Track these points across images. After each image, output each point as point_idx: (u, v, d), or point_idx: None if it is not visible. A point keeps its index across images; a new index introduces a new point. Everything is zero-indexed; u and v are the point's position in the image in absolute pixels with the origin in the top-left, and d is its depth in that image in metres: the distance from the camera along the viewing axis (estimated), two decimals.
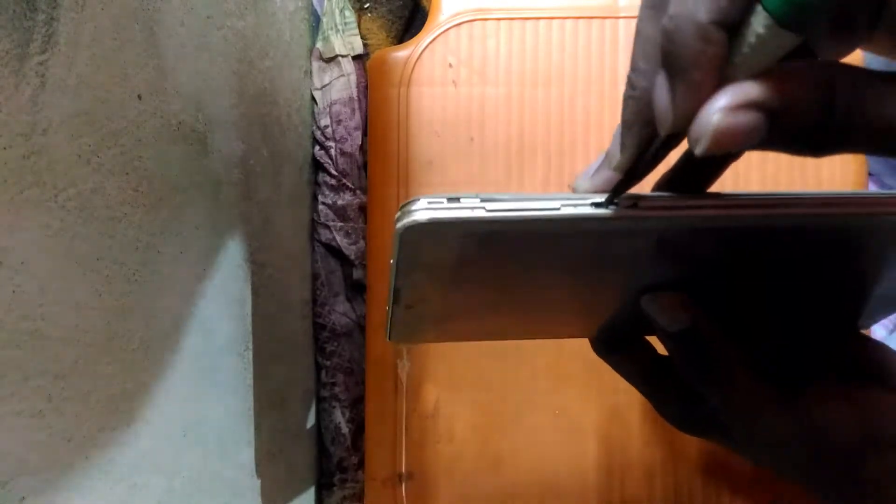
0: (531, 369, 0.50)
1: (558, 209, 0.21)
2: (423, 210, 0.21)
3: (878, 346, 0.29)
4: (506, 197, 0.21)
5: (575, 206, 0.21)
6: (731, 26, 0.18)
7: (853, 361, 0.28)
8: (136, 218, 0.33)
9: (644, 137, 0.22)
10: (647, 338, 0.32)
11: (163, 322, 0.36)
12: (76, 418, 0.29)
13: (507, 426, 0.50)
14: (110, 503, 0.32)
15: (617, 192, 0.21)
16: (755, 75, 0.18)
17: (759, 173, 0.49)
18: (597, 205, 0.21)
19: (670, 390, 0.30)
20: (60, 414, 0.28)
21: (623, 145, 0.22)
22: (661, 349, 0.29)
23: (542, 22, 0.51)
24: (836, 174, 0.49)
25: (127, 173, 0.32)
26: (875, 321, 0.32)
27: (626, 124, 0.22)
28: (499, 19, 0.51)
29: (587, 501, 0.50)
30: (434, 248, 0.22)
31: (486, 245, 0.22)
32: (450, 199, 0.21)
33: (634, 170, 0.23)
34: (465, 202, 0.21)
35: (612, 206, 0.21)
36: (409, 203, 0.21)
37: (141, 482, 0.34)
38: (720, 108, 0.17)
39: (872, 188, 0.58)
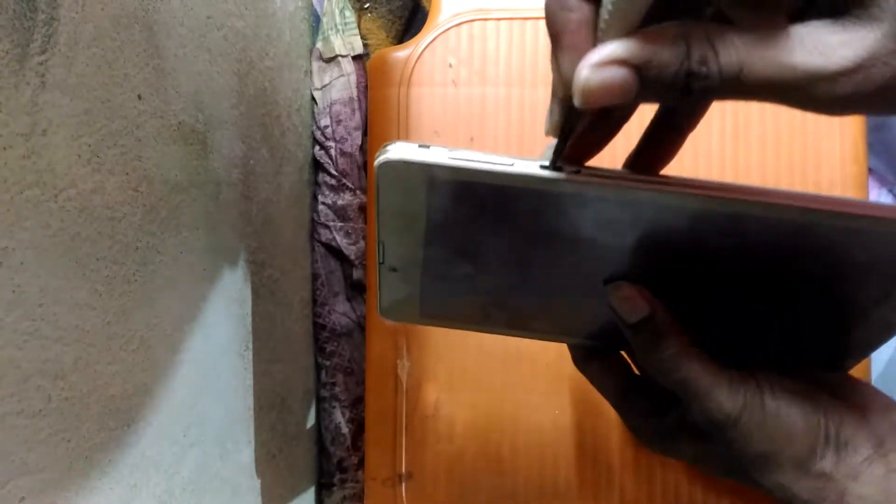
0: (531, 369, 0.50)
1: (511, 165, 0.24)
2: (396, 150, 0.24)
3: (850, 380, 0.30)
4: (471, 153, 0.24)
5: (526, 165, 0.24)
6: None
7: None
8: (136, 218, 0.33)
9: (564, 103, 0.24)
10: (623, 353, 0.34)
11: (163, 322, 0.36)
12: (76, 418, 0.29)
13: (507, 426, 0.50)
14: (110, 503, 0.32)
15: (556, 153, 0.24)
16: (622, 36, 0.20)
17: (759, 172, 0.49)
18: (543, 167, 0.24)
19: (642, 404, 0.32)
20: (60, 414, 0.28)
21: (550, 111, 0.24)
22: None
23: (542, 22, 0.50)
24: (836, 173, 0.49)
25: (127, 173, 0.32)
26: (855, 357, 0.31)
27: (552, 93, 0.24)
28: (499, 19, 0.51)
29: (587, 502, 0.50)
30: (407, 192, 0.25)
31: (454, 198, 0.25)
32: (420, 146, 0.24)
33: (563, 133, 0.24)
34: (433, 150, 0.24)
35: (557, 171, 0.24)
36: (386, 144, 0.25)
37: (141, 482, 0.34)
38: (588, 65, 0.20)
39: (872, 186, 0.58)
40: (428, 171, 0.24)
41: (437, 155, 0.24)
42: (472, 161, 0.24)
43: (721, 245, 0.25)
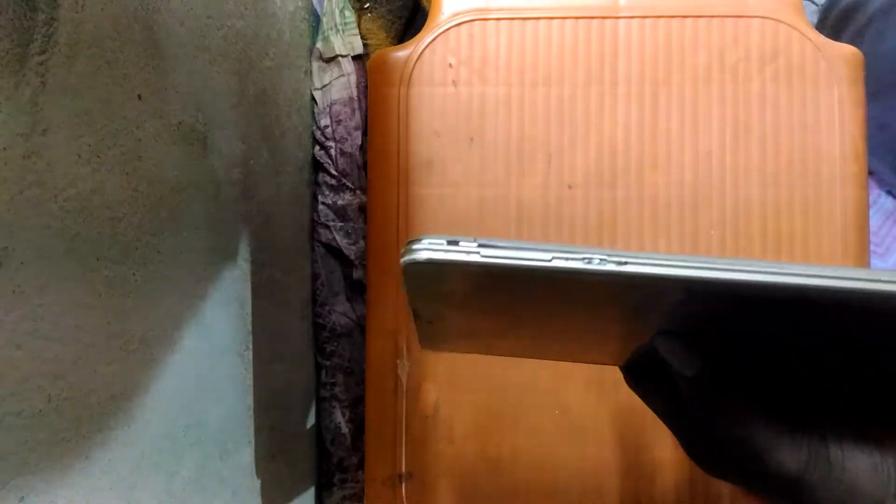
0: (531, 369, 0.50)
1: (549, 261, 0.22)
2: (424, 250, 0.22)
3: None
4: (502, 244, 0.22)
5: (566, 259, 0.22)
6: None
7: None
8: (136, 218, 0.33)
9: None
10: None
11: (163, 322, 0.36)
12: (76, 418, 0.29)
13: (507, 426, 0.50)
14: (110, 503, 0.32)
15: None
16: None
17: (758, 173, 0.49)
18: (587, 260, 0.22)
19: (696, 429, 0.30)
20: (60, 414, 0.28)
21: None
22: None
23: (542, 22, 0.51)
24: (836, 172, 0.49)
25: (127, 173, 0.32)
26: None
27: None
28: (499, 19, 0.51)
29: (587, 502, 0.50)
30: (437, 282, 0.24)
31: (488, 283, 0.24)
32: (449, 242, 0.22)
33: None
34: (463, 245, 0.22)
35: (601, 262, 0.22)
36: (412, 242, 0.23)
37: (141, 482, 0.34)
38: None
39: (872, 186, 0.58)
40: (459, 270, 0.23)
41: (468, 253, 0.22)
42: (508, 259, 0.22)
43: (784, 320, 0.24)
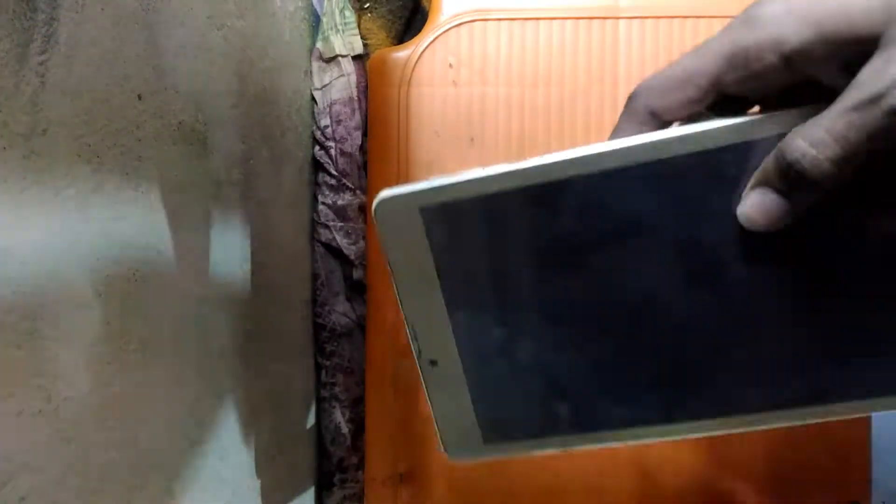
0: None
1: (484, 171, 0.22)
2: (387, 190, 0.23)
3: None
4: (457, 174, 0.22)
5: (508, 165, 0.22)
6: None
7: None
8: (136, 218, 0.33)
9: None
10: None
11: (163, 322, 0.36)
12: (76, 418, 0.29)
13: None
14: (110, 503, 0.32)
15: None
16: None
17: None
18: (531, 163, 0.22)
19: None
20: (60, 414, 0.28)
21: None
22: None
23: (542, 22, 0.51)
24: None
25: (127, 173, 0.32)
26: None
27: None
28: (499, 20, 0.51)
29: (587, 501, 0.50)
30: (409, 237, 0.23)
31: (456, 230, 0.22)
32: (405, 185, 0.23)
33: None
34: (418, 184, 0.22)
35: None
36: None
37: (141, 482, 0.34)
38: None
39: None
40: (417, 201, 0.22)
41: (420, 183, 0.22)
42: (453, 178, 0.22)
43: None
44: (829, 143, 0.19)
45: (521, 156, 0.52)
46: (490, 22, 0.51)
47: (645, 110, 0.22)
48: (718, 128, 0.21)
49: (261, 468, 0.48)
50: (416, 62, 0.51)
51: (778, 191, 0.20)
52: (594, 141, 0.51)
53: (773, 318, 0.22)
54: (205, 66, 0.40)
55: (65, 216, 0.28)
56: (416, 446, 0.50)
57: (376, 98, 0.52)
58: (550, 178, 0.22)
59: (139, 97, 0.33)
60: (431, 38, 0.51)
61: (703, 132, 0.21)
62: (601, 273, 0.22)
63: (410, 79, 0.51)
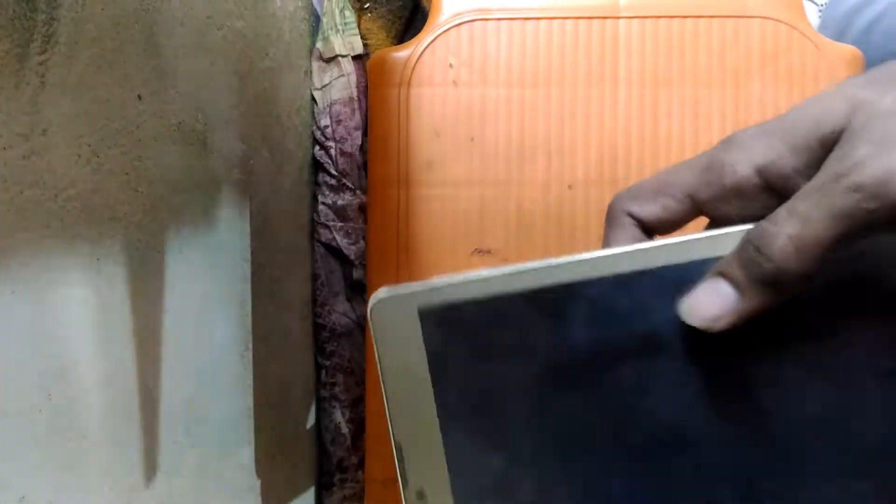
0: None
1: (503, 270, 0.20)
2: (384, 290, 0.20)
3: None
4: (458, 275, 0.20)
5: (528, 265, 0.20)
6: None
7: None
8: (136, 218, 0.33)
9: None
10: None
11: (163, 322, 0.36)
12: (76, 418, 0.29)
13: None
14: (110, 503, 0.32)
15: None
16: None
17: None
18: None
19: None
20: (60, 414, 0.28)
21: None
22: None
23: (542, 22, 0.51)
24: None
25: (127, 173, 0.32)
26: None
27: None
28: (499, 19, 0.51)
29: None
30: (404, 339, 0.20)
31: (455, 337, 0.20)
32: (404, 284, 0.20)
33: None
34: (417, 284, 0.20)
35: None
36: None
37: (141, 482, 0.34)
38: None
39: None
40: (415, 301, 0.20)
41: (422, 284, 0.20)
42: (456, 279, 0.20)
43: None
44: (790, 221, 0.18)
45: (520, 155, 0.52)
46: (490, 21, 0.51)
47: (622, 215, 0.22)
48: (689, 240, 0.20)
49: (261, 468, 0.48)
50: (416, 62, 0.51)
51: (731, 281, 0.19)
52: (594, 141, 0.51)
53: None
54: (205, 65, 0.40)
55: (65, 216, 0.28)
56: None
57: (376, 98, 0.52)
58: (556, 282, 0.20)
59: (139, 97, 0.33)
60: (431, 38, 0.51)
61: (678, 244, 0.20)
62: (614, 394, 0.20)
63: (410, 79, 0.51)
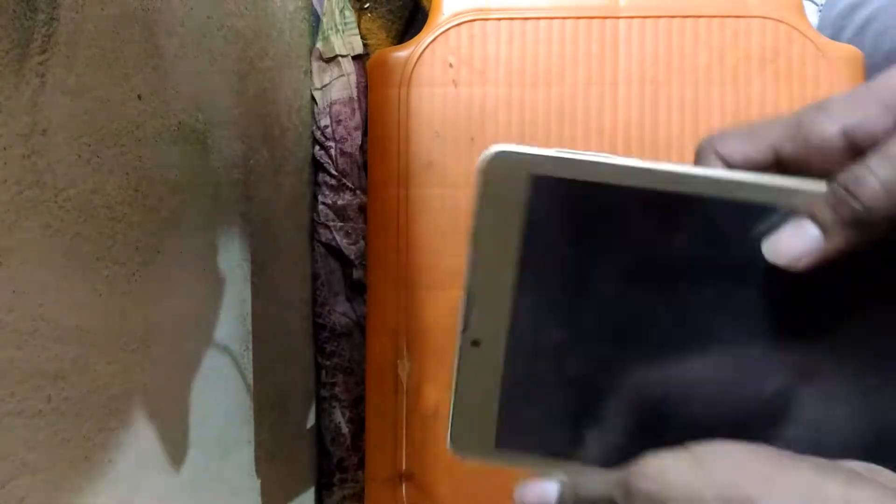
0: None
1: (624, 160, 0.20)
2: (499, 145, 0.21)
3: None
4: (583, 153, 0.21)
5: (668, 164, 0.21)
6: None
7: None
8: (136, 218, 0.33)
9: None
10: None
11: (163, 322, 0.36)
12: (76, 418, 0.29)
13: None
14: (110, 503, 0.32)
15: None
16: None
17: None
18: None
19: None
20: (60, 414, 0.28)
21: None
22: None
23: (542, 22, 0.51)
24: None
25: (127, 173, 0.32)
26: None
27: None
28: (499, 19, 0.51)
29: None
30: (507, 198, 0.21)
31: (561, 214, 0.21)
32: (521, 145, 0.21)
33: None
34: (537, 149, 0.21)
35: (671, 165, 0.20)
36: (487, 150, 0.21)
37: (141, 482, 0.34)
38: None
39: None
40: (531, 166, 0.20)
41: (541, 150, 0.20)
42: (578, 156, 0.20)
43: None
44: (882, 164, 0.19)
45: None
46: (490, 21, 0.51)
47: (711, 152, 0.23)
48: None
49: (261, 468, 0.48)
50: (416, 62, 0.51)
51: (817, 220, 0.20)
52: (594, 140, 0.51)
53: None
54: (205, 66, 0.40)
55: (65, 216, 0.28)
56: (416, 446, 0.50)
57: (376, 98, 0.52)
58: (680, 190, 0.21)
59: (139, 97, 0.33)
60: (431, 38, 0.51)
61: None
62: (690, 309, 0.21)
63: (410, 79, 0.51)
